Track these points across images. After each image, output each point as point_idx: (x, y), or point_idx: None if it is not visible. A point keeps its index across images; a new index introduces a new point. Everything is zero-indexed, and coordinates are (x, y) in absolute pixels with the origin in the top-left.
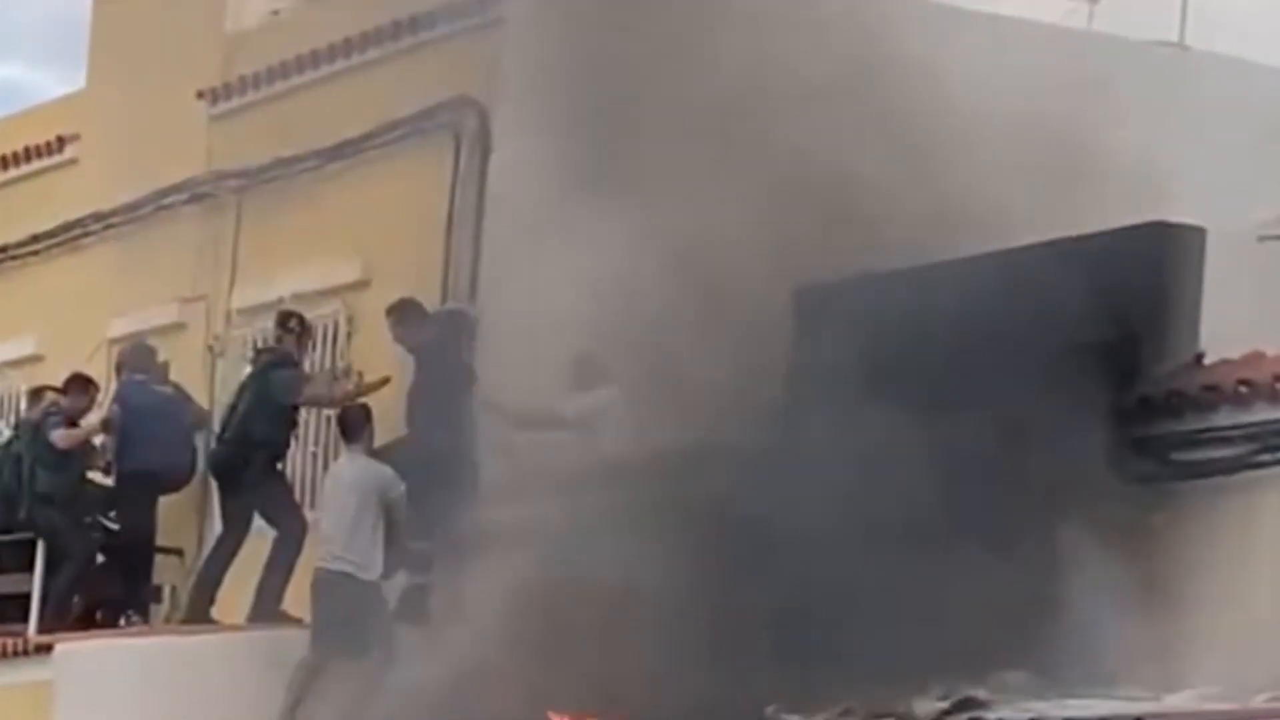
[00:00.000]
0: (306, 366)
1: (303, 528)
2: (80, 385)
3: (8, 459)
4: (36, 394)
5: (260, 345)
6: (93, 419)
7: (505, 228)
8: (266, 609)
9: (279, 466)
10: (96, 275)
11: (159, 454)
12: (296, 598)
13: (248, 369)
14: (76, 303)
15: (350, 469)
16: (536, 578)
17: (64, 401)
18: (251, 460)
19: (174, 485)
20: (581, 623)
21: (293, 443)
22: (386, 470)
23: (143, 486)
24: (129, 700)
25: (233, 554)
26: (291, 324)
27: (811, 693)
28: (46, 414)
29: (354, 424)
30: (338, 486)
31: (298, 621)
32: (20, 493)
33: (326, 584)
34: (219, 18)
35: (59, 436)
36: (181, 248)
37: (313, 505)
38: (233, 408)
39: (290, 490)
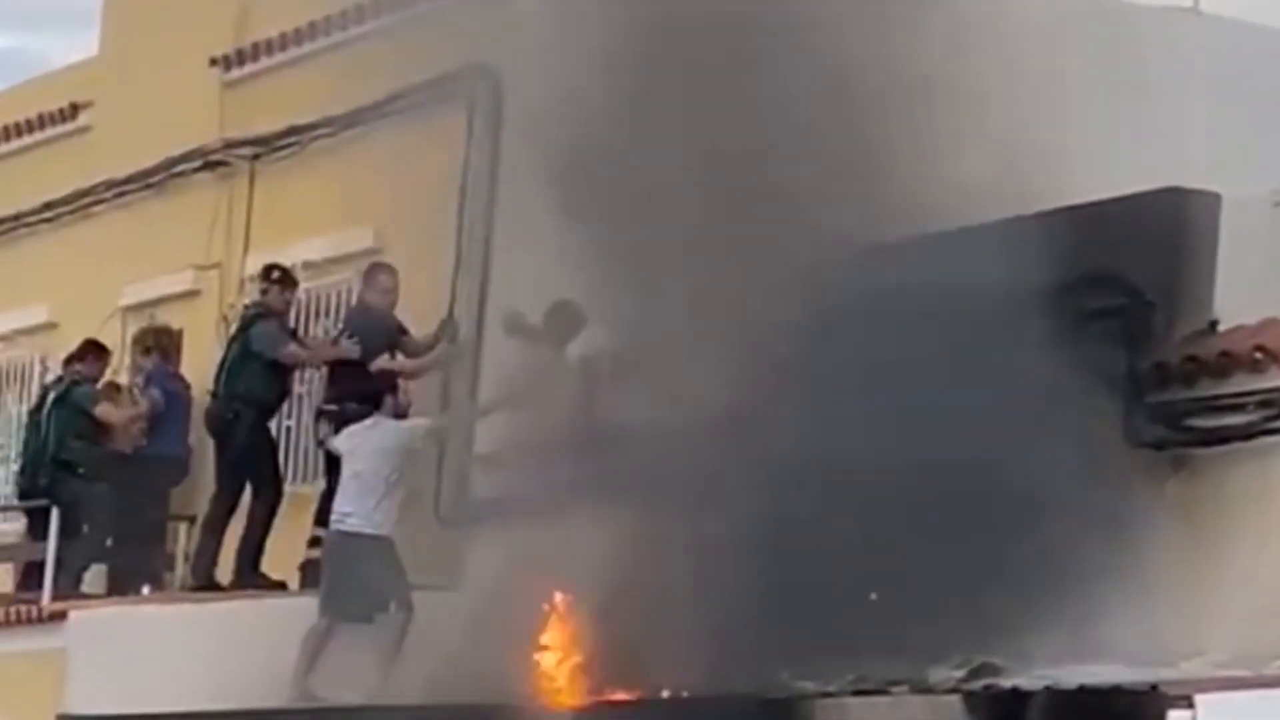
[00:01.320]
0: (294, 321)
1: (278, 493)
2: (94, 352)
3: (33, 429)
4: (69, 363)
5: (249, 301)
6: (142, 402)
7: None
8: (245, 575)
9: (268, 426)
10: (109, 243)
11: (182, 442)
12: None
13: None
14: (89, 270)
15: (378, 433)
16: (547, 543)
17: (80, 368)
18: (240, 416)
19: (185, 473)
20: (594, 589)
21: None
22: (410, 425)
23: (167, 472)
24: (142, 667)
25: (228, 514)
26: (274, 275)
27: (826, 661)
28: (73, 382)
29: (393, 402)
30: (363, 449)
31: (280, 586)
32: (42, 460)
33: (344, 545)
34: None
35: (103, 411)
36: (194, 215)
37: (326, 470)
38: (222, 363)
39: (273, 453)
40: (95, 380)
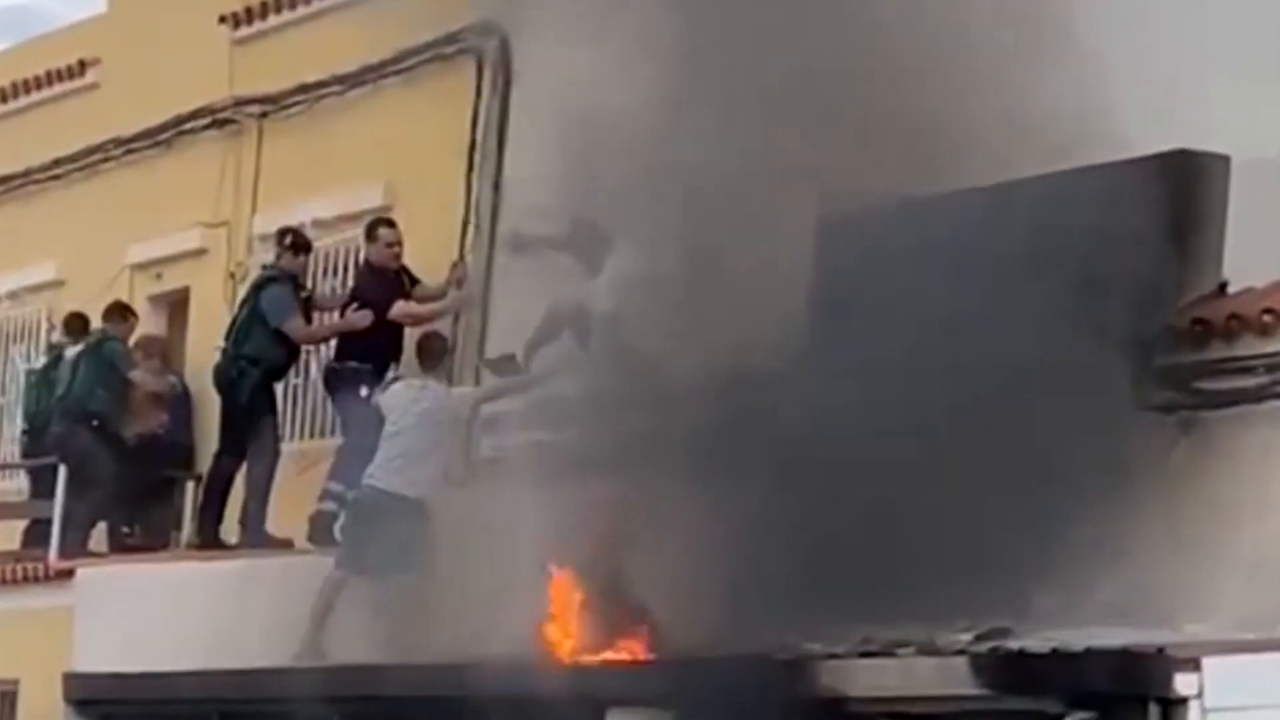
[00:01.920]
0: (312, 286)
1: (275, 455)
2: (120, 312)
3: (44, 385)
4: (109, 315)
5: (265, 264)
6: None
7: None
8: (252, 535)
9: (273, 388)
10: (117, 201)
11: (189, 432)
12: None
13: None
14: (97, 228)
15: (424, 394)
16: (555, 503)
17: (108, 327)
18: (246, 375)
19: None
20: (602, 549)
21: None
22: (460, 393)
23: (174, 455)
24: (150, 625)
25: (232, 472)
26: (288, 240)
27: (833, 623)
28: (104, 336)
29: (433, 351)
30: (410, 411)
31: (287, 544)
32: (52, 414)
33: (375, 502)
34: None
35: (139, 376)
36: (203, 173)
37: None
38: (233, 322)
39: (274, 415)
40: (123, 340)
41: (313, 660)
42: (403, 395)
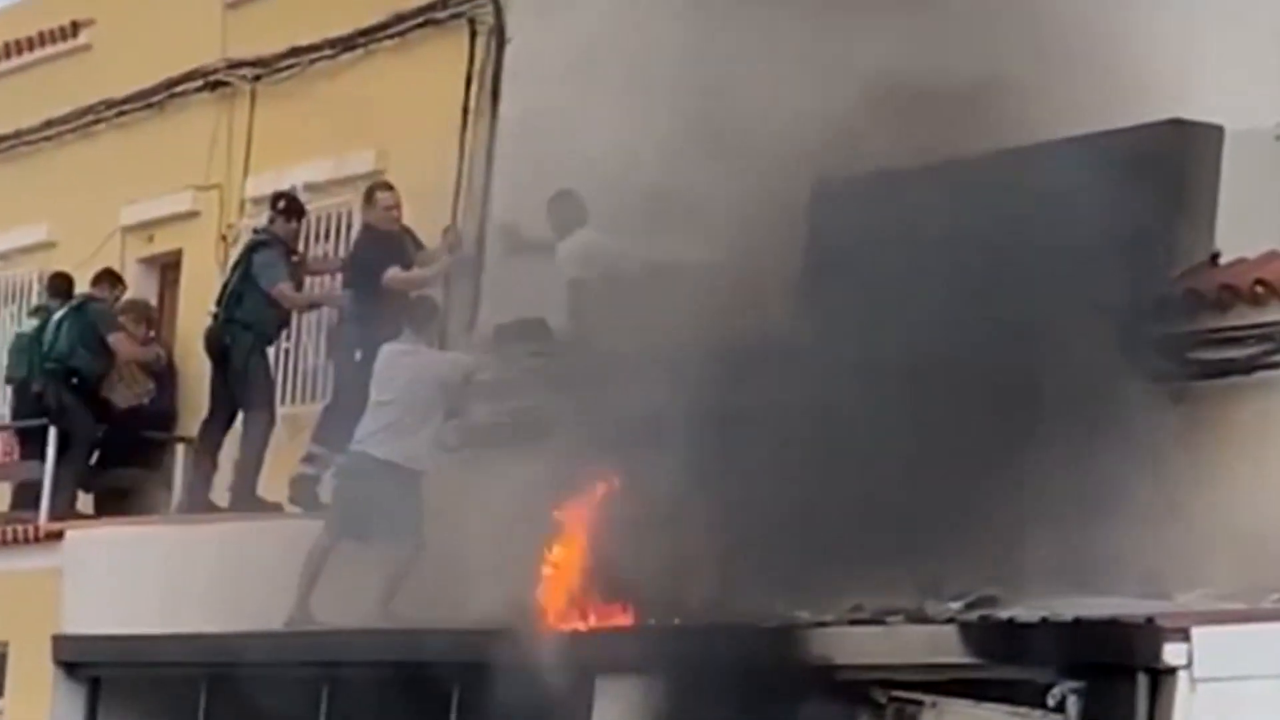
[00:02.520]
0: (304, 250)
1: (270, 419)
2: (109, 279)
3: (35, 348)
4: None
5: (258, 227)
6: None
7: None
8: (243, 498)
9: (265, 351)
10: (109, 162)
11: (172, 402)
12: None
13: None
14: (89, 190)
15: (416, 360)
16: (546, 469)
17: (95, 291)
18: (237, 340)
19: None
20: (592, 516)
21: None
22: (453, 359)
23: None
24: (138, 587)
25: (222, 436)
26: (281, 205)
27: (825, 591)
28: (88, 298)
29: (422, 315)
30: (398, 375)
31: (276, 508)
32: (38, 373)
33: (364, 468)
34: None
35: (116, 340)
36: (195, 136)
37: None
38: (225, 285)
39: (268, 379)
40: (109, 303)
41: (303, 625)
42: (392, 360)
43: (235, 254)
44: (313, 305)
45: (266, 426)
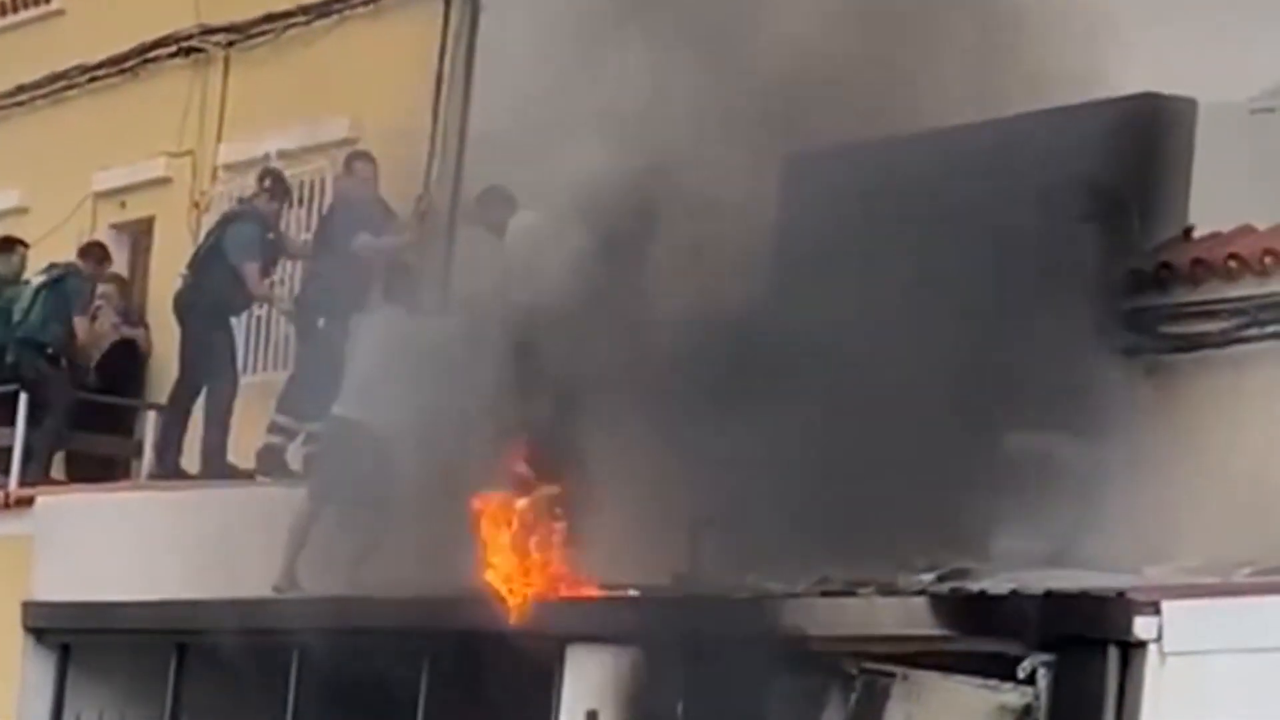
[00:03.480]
0: (284, 225)
1: (233, 386)
2: (96, 253)
3: (3, 318)
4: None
5: (242, 197)
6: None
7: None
8: (213, 465)
9: (229, 320)
10: (82, 128)
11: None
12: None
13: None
14: (61, 155)
15: (394, 327)
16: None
17: (79, 263)
18: (197, 308)
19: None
20: (563, 485)
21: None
22: (426, 323)
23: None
24: (108, 554)
25: (189, 401)
26: (266, 182)
27: (798, 562)
28: (68, 272)
29: (399, 281)
30: (376, 342)
31: (249, 475)
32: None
33: (343, 434)
34: None
35: (78, 323)
36: (168, 102)
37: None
38: (197, 251)
39: (230, 348)
40: (89, 280)
41: (290, 592)
42: (370, 327)
43: (211, 220)
44: (266, 300)
45: (228, 395)
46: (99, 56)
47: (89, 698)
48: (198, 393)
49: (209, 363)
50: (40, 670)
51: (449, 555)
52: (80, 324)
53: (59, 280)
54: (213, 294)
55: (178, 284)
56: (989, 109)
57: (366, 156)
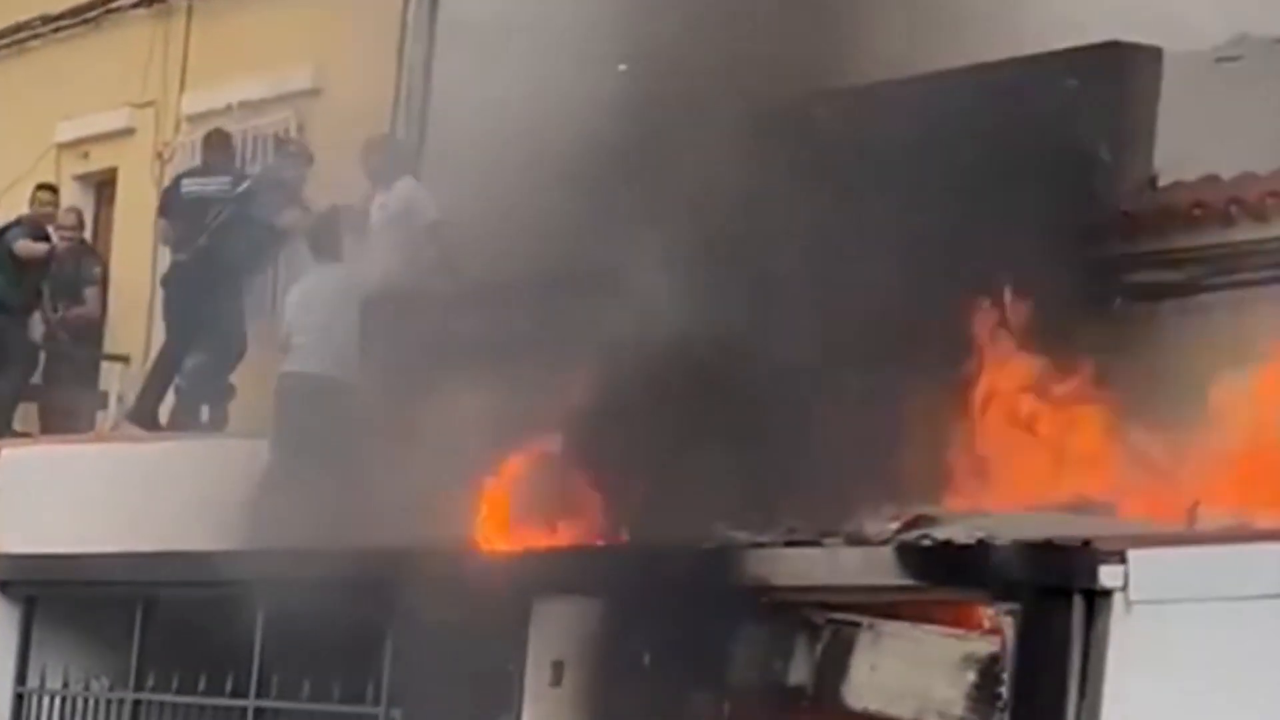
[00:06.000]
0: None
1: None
2: (42, 191)
3: None
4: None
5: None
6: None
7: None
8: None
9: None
10: (44, 79)
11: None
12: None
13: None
14: (24, 106)
15: (328, 280)
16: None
17: (30, 211)
18: (210, 276)
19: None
20: (531, 438)
21: None
22: (363, 272)
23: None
24: (74, 506)
25: (179, 359)
26: (213, 139)
27: (763, 511)
28: (11, 224)
29: (326, 240)
30: (314, 299)
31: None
32: None
33: (298, 387)
34: None
35: (22, 247)
36: (131, 52)
37: None
38: (206, 225)
39: (243, 315)
40: (47, 222)
41: (257, 543)
42: (300, 290)
43: (173, 170)
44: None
45: (234, 361)
46: (62, 6)
47: (54, 650)
48: (186, 351)
49: (221, 328)
50: (5, 623)
51: (419, 506)
52: (24, 246)
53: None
54: (234, 262)
55: (143, 239)
56: (953, 59)
57: (300, 144)
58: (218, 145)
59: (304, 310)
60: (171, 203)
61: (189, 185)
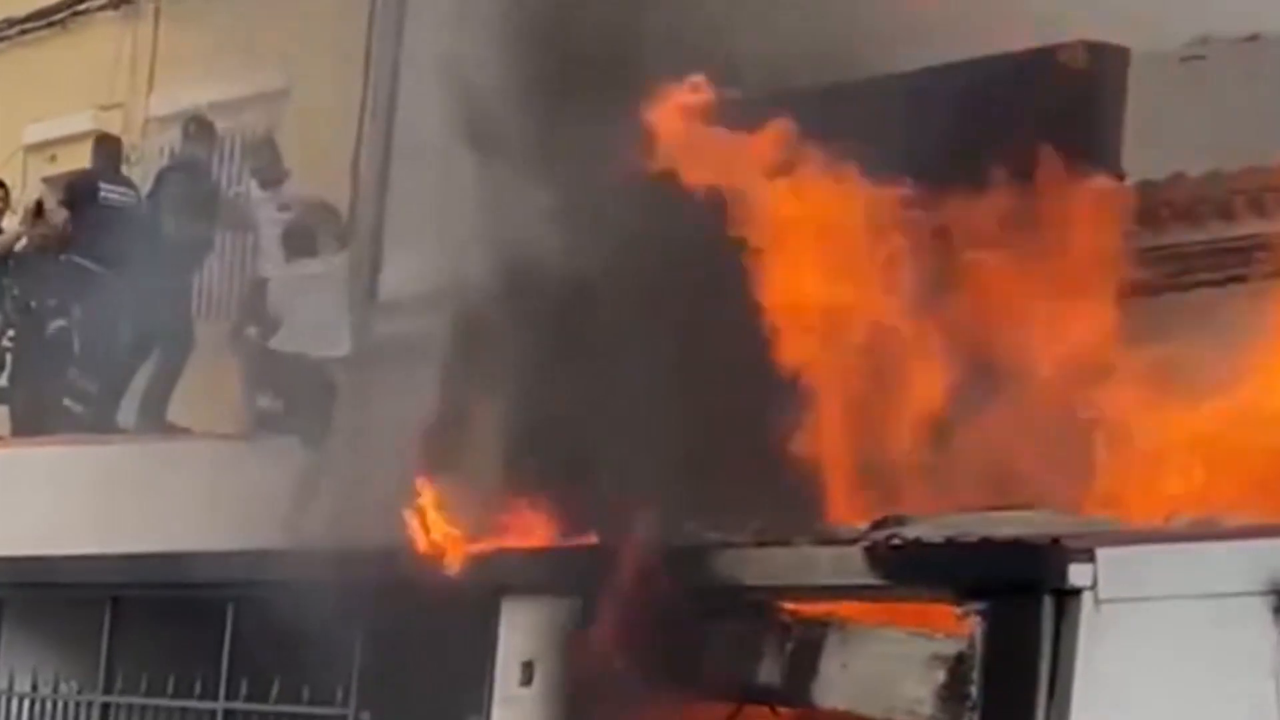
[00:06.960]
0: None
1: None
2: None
3: None
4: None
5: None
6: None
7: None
8: (151, 421)
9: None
10: (12, 81)
11: None
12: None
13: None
14: None
15: (315, 269)
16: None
17: None
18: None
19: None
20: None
21: None
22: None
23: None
24: (40, 508)
25: (140, 359)
26: (190, 129)
27: (730, 512)
28: None
29: (303, 240)
30: (306, 288)
31: (185, 431)
32: None
33: (288, 367)
34: None
35: None
36: (98, 54)
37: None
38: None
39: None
40: None
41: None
42: (284, 283)
43: (142, 173)
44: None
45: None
46: (28, 9)
47: (23, 652)
48: (149, 351)
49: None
50: None
51: (378, 505)
52: None
53: None
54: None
55: None
56: (920, 57)
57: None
58: (198, 136)
59: (299, 298)
60: (85, 208)
61: (108, 193)
